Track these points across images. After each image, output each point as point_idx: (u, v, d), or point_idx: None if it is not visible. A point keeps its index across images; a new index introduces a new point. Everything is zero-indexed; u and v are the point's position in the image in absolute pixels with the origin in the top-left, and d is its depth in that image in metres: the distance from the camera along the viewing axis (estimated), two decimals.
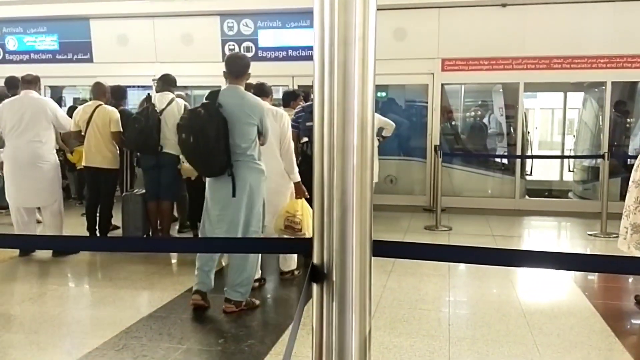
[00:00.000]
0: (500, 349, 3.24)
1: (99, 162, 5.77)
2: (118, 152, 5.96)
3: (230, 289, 3.82)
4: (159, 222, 5.90)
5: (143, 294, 4.44)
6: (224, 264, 4.61)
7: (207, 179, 3.90)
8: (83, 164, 5.92)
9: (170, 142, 5.51)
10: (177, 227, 6.42)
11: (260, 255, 4.11)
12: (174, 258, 5.48)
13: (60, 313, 3.92)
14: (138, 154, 5.96)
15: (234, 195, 3.69)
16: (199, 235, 4.32)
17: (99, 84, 5.98)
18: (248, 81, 4.04)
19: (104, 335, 3.39)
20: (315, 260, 1.37)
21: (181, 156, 5.48)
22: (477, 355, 3.16)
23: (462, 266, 5.22)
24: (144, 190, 5.94)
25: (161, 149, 5.52)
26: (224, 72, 3.83)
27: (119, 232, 6.08)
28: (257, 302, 3.98)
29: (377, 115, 5.99)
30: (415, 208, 8.07)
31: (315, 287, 1.39)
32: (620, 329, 3.54)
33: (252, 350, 3.24)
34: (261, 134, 3.83)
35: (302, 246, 1.58)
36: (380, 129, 6.60)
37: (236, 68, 3.82)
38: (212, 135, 3.60)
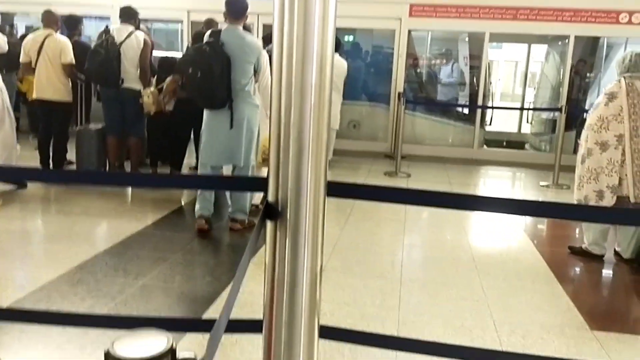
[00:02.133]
0: (449, 291, 3.38)
1: (51, 95, 5.56)
2: (70, 84, 5.74)
3: (235, 211, 4.33)
4: (131, 159, 5.81)
5: (99, 229, 4.40)
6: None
7: (206, 112, 4.21)
8: (34, 96, 5.68)
9: (130, 76, 5.38)
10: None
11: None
12: (131, 195, 5.41)
13: (12, 247, 3.86)
14: (98, 87, 5.78)
15: (231, 127, 4.07)
16: (198, 165, 4.70)
17: (49, 12, 5.66)
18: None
19: (57, 269, 3.37)
20: (270, 197, 1.38)
21: (142, 90, 5.39)
22: (426, 296, 3.29)
23: (417, 213, 5.35)
24: (99, 126, 5.79)
25: (122, 82, 5.36)
26: (224, 13, 4.12)
27: (73, 168, 5.93)
28: (255, 220, 4.12)
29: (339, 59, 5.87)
30: (377, 154, 8.14)
31: (269, 225, 1.40)
32: (562, 275, 3.73)
33: (208, 288, 3.29)
34: (257, 72, 4.16)
35: (259, 184, 1.58)
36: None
37: (236, 9, 4.09)
38: (217, 72, 3.93)
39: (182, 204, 5.18)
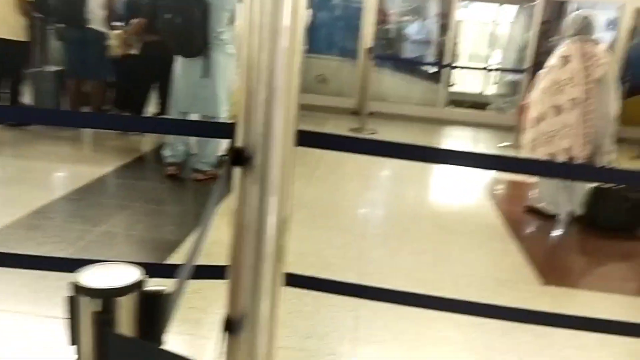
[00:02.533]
0: (409, 245, 3.45)
1: (4, 33, 5.27)
2: (28, 22, 5.46)
3: (198, 161, 4.30)
4: (90, 103, 5.64)
5: (56, 175, 4.28)
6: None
7: (180, 60, 4.13)
8: None
9: (96, 18, 5.18)
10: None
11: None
12: (90, 142, 5.27)
13: None
14: (59, 26, 5.51)
15: (205, 75, 4.02)
16: (167, 111, 4.58)
17: None
18: None
19: (13, 214, 3.27)
20: (239, 143, 1.36)
21: (108, 32, 5.21)
22: (388, 250, 3.36)
23: (382, 169, 5.41)
24: (57, 68, 5.56)
25: (87, 22, 5.17)
26: None
27: None
28: (219, 172, 4.12)
29: None
30: (344, 110, 8.11)
31: (237, 171, 1.39)
32: (517, 233, 3.86)
33: (170, 236, 3.26)
34: (233, 21, 4.11)
35: (226, 130, 1.56)
36: None
37: None
38: (196, 18, 3.88)
39: (143, 152, 5.08)
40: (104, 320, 0.57)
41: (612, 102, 3.77)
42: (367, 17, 8.06)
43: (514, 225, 3.98)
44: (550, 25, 8.56)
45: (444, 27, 8.51)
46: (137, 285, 0.61)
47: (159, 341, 0.62)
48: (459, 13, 8.68)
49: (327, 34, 8.63)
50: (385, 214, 4.15)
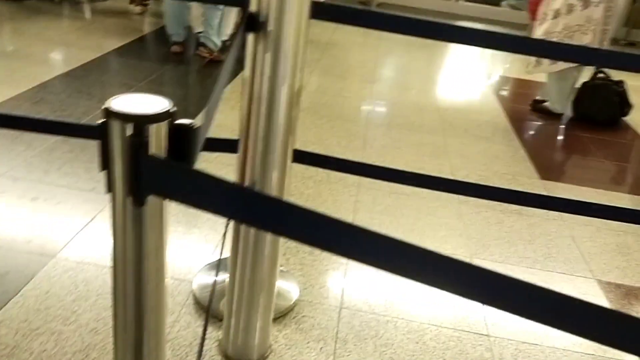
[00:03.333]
0: (411, 137, 3.48)
1: None
2: None
3: (206, 37, 4.22)
4: None
5: (58, 51, 4.19)
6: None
7: None
8: None
9: None
10: None
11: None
12: (90, 20, 5.12)
13: None
14: None
15: None
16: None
17: None
18: None
19: (17, 87, 3.26)
20: (253, 7, 1.33)
21: None
22: (390, 140, 3.39)
23: (388, 60, 5.32)
24: None
25: None
26: None
27: None
28: (223, 57, 4.07)
29: None
30: (351, 1, 7.81)
31: (250, 37, 1.36)
32: (521, 130, 3.87)
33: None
34: None
35: None
36: None
37: None
38: None
39: (146, 32, 4.95)
40: (137, 143, 0.59)
41: None
42: None
43: (518, 123, 3.99)
44: None
45: None
46: (168, 114, 0.62)
47: (191, 166, 0.64)
48: None
49: None
50: (390, 105, 4.13)
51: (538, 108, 4.24)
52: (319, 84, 4.24)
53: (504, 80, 5.24)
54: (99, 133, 0.60)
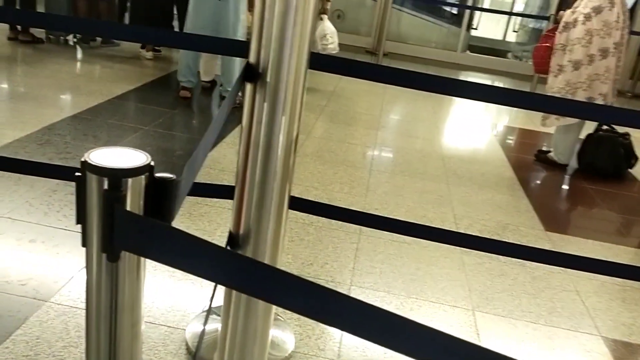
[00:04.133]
0: (415, 184, 3.46)
1: None
2: None
3: (225, 89, 4.43)
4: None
5: (68, 94, 4.27)
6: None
7: None
8: None
9: None
10: None
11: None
12: (102, 64, 5.23)
13: None
14: None
15: None
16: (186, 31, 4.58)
17: None
18: None
19: (24, 129, 3.30)
20: (252, 59, 1.34)
21: None
22: (393, 187, 3.37)
23: (393, 108, 5.36)
24: None
25: None
26: None
27: (40, 34, 5.63)
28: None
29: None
30: (359, 49, 7.96)
31: (248, 87, 1.38)
32: (525, 180, 3.86)
33: (179, 161, 3.29)
34: None
35: (240, 47, 1.53)
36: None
37: None
38: None
39: (157, 76, 5.04)
40: (113, 197, 0.58)
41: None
42: None
43: (523, 173, 3.97)
44: None
45: None
46: (147, 168, 0.61)
47: (168, 223, 0.63)
48: None
49: None
50: (394, 152, 4.14)
51: (542, 158, 4.23)
52: (324, 130, 4.27)
53: (509, 130, 5.26)
54: (76, 185, 0.59)
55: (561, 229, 3.15)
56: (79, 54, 5.51)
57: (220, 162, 3.25)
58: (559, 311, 2.31)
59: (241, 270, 0.57)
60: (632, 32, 3.88)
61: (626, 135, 4.11)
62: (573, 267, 1.75)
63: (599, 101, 3.73)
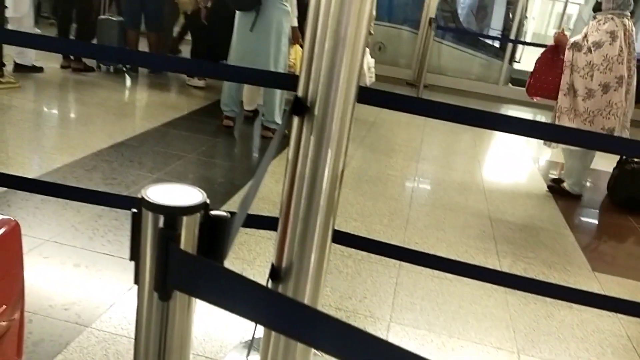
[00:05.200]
0: (456, 219, 3.40)
1: None
2: None
3: (267, 119, 4.41)
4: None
5: (116, 121, 4.40)
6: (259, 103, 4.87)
7: (237, 14, 4.20)
8: None
9: None
10: None
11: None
12: (149, 92, 5.39)
13: (28, 128, 3.88)
14: None
15: (251, 30, 4.08)
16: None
17: None
18: None
19: (74, 154, 3.40)
20: (300, 93, 1.35)
21: None
22: (433, 221, 3.32)
23: (433, 140, 5.31)
24: (122, 18, 5.74)
25: None
26: None
27: (91, 62, 5.85)
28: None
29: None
30: (399, 81, 7.98)
31: (296, 120, 1.38)
32: (572, 219, 3.74)
33: (221, 189, 3.32)
34: None
35: (289, 80, 1.55)
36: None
37: None
38: None
39: (202, 105, 5.15)
40: (168, 236, 0.57)
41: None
42: None
43: (567, 209, 3.86)
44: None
45: (511, 3, 8.18)
46: (202, 207, 0.61)
47: (221, 263, 0.62)
48: None
49: (389, 1, 8.44)
50: (434, 185, 4.09)
51: (556, 189, 4.15)
52: (363, 161, 4.26)
53: (552, 164, 5.13)
54: (132, 221, 0.59)
55: (609, 270, 3.02)
56: (128, 83, 5.69)
57: (260, 190, 3.27)
58: (609, 357, 2.20)
59: (284, 313, 0.55)
60: None
61: None
62: (622, 311, 1.66)
63: None
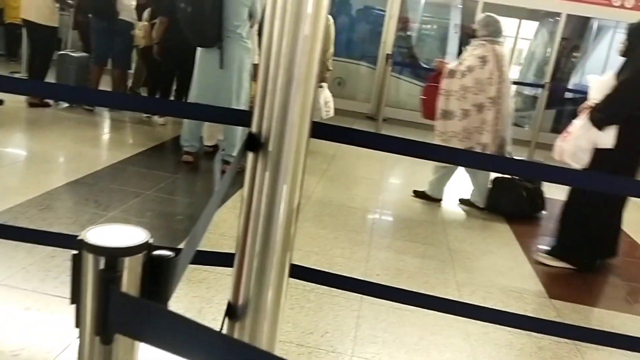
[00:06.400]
0: (416, 249, 3.43)
1: (34, 17, 5.51)
2: (57, 8, 5.76)
3: (228, 154, 4.39)
4: (113, 89, 5.85)
5: (72, 158, 4.31)
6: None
7: (199, 50, 4.23)
8: (21, 16, 5.66)
9: (126, 9, 5.50)
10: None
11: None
12: (107, 129, 5.31)
13: None
14: (79, 16, 5.85)
15: (221, 67, 4.09)
16: (190, 100, 4.72)
17: None
18: None
19: (26, 194, 3.30)
20: (254, 129, 1.36)
21: (135, 23, 5.51)
22: (394, 253, 3.34)
23: (393, 173, 5.39)
24: (82, 53, 5.82)
25: (117, 14, 5.47)
26: None
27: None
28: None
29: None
30: (359, 115, 8.10)
31: (250, 156, 1.38)
32: (526, 243, 3.82)
33: (179, 225, 3.27)
34: (252, 16, 4.18)
35: (242, 117, 1.56)
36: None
37: None
38: (207, 8, 3.94)
39: (161, 141, 5.11)
40: (109, 278, 0.56)
41: (511, 101, 4.27)
42: (389, 23, 8.06)
43: (523, 236, 3.94)
44: (573, 42, 8.49)
45: (465, 38, 8.48)
46: (144, 247, 0.60)
47: (164, 305, 0.61)
48: None
49: (348, 38, 8.64)
50: (394, 217, 4.13)
51: (420, 194, 4.51)
52: (325, 194, 4.27)
53: None
54: (72, 264, 0.58)
55: (565, 297, 3.09)
56: (85, 118, 5.59)
57: (221, 226, 3.23)
58: None
59: (231, 355, 0.54)
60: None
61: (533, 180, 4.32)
62: (580, 338, 1.70)
63: (478, 150, 3.98)
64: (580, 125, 3.29)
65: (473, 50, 4.04)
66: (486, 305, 1.82)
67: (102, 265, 0.58)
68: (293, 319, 2.41)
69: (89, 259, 0.59)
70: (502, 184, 4.29)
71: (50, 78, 5.81)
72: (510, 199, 4.28)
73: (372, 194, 4.53)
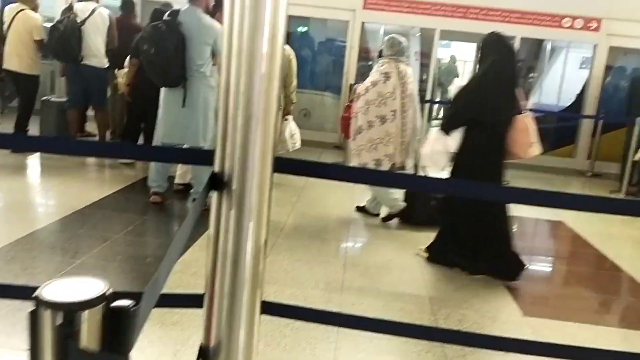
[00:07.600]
0: (390, 276, 3.44)
1: (17, 66, 5.61)
2: (40, 58, 5.83)
3: (197, 192, 4.29)
4: (98, 132, 5.93)
5: (37, 206, 4.23)
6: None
7: (163, 90, 4.24)
8: (3, 66, 5.73)
9: (91, 53, 5.50)
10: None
11: None
12: (73, 173, 5.23)
13: None
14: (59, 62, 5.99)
15: (183, 106, 4.12)
16: (154, 141, 4.68)
17: None
18: None
19: None
20: (217, 168, 1.36)
21: (117, 72, 5.54)
22: (368, 280, 3.35)
23: (363, 200, 5.42)
24: (62, 98, 5.95)
25: (81, 59, 5.47)
26: None
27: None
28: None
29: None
30: (326, 145, 8.16)
31: (215, 195, 1.39)
32: None
33: (149, 269, 3.22)
34: (215, 55, 4.21)
35: (205, 156, 1.56)
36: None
37: None
38: (171, 49, 3.99)
39: (130, 183, 5.04)
40: (66, 334, 0.56)
41: (418, 115, 4.46)
42: (351, 54, 8.22)
43: None
44: (528, 64, 8.79)
45: (425, 65, 8.69)
46: (102, 299, 0.60)
47: (125, 357, 0.61)
48: (440, 52, 8.88)
49: (312, 70, 8.77)
50: (367, 246, 4.15)
51: (361, 209, 4.77)
52: (296, 227, 4.27)
53: None
54: (29, 321, 0.57)
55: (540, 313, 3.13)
56: (52, 163, 5.47)
57: (192, 266, 3.19)
58: None
59: None
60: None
61: None
62: (552, 355, 1.72)
63: (385, 161, 4.20)
64: (436, 130, 3.67)
65: (379, 67, 4.30)
66: (461, 329, 1.83)
67: (59, 321, 0.57)
68: (269, 356, 2.38)
69: (46, 315, 0.58)
70: (415, 194, 4.46)
71: (35, 124, 5.89)
72: (421, 209, 4.45)
73: (343, 222, 4.54)
